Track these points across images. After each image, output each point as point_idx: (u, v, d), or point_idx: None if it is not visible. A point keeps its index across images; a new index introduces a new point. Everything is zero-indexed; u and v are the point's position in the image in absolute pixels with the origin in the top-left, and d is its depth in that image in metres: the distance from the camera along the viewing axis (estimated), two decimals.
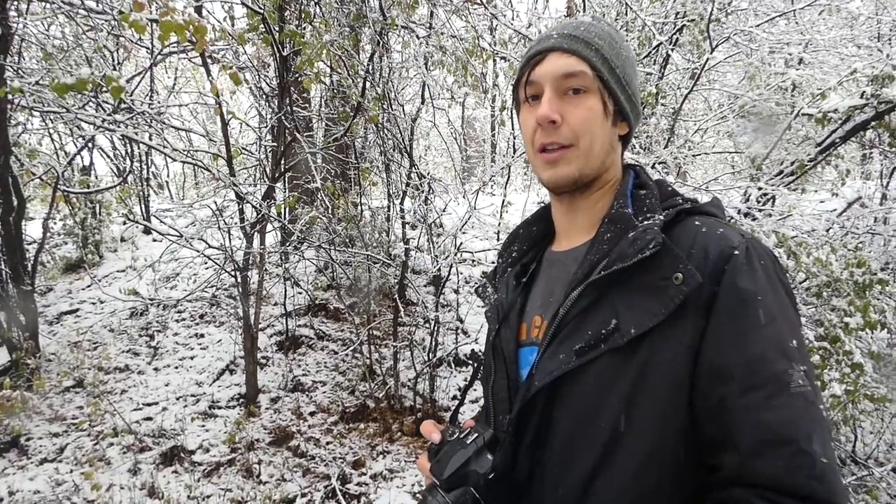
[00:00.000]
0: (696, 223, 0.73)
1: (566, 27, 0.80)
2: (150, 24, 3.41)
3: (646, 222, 0.73)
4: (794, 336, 0.65)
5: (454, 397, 4.48)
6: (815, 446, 0.58)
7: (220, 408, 4.21)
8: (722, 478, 0.63)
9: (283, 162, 4.10)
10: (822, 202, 5.14)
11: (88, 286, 5.59)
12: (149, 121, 4.23)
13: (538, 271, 0.89)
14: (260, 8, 3.30)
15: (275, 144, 4.16)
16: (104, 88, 3.55)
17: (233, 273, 4.04)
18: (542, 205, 0.96)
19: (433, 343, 4.31)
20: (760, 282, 0.66)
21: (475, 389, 4.28)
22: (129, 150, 6.18)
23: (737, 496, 0.60)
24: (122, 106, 3.97)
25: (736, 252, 0.67)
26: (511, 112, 5.17)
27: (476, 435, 0.73)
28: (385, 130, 4.47)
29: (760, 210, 3.31)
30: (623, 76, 0.80)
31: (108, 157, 6.44)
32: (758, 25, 3.74)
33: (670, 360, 0.66)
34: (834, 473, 0.58)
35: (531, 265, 0.91)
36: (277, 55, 3.64)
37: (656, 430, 0.66)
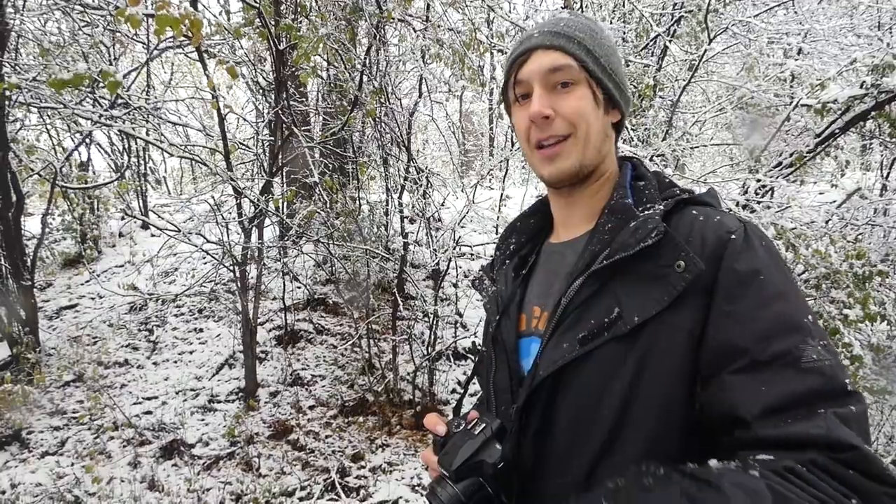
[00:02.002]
0: (694, 212, 0.74)
1: (546, 25, 0.81)
2: (145, 18, 3.39)
3: (646, 212, 0.74)
4: (808, 311, 0.64)
5: (453, 391, 4.49)
6: (826, 409, 0.57)
7: (219, 402, 4.23)
8: (738, 447, 0.62)
9: (280, 156, 4.09)
10: (821, 194, 5.10)
11: (87, 281, 5.61)
12: (146, 116, 4.23)
13: (536, 263, 0.90)
14: (255, 2, 3.29)
15: (272, 139, 4.15)
16: (101, 84, 3.55)
17: (231, 268, 4.05)
18: (540, 197, 0.96)
19: (432, 337, 4.32)
20: (762, 260, 0.66)
21: (475, 382, 4.29)
22: (127, 146, 6.17)
23: (758, 457, 0.59)
24: (119, 101, 3.96)
25: (733, 236, 0.68)
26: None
27: (484, 425, 0.73)
28: (383, 124, 4.46)
29: (759, 202, 3.30)
30: (608, 65, 0.80)
31: (106, 152, 6.45)
32: (756, 15, 3.71)
33: (672, 346, 0.66)
34: (849, 421, 0.57)
35: (529, 257, 0.92)
36: (274, 49, 3.62)
37: (659, 415, 0.67)
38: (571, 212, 0.85)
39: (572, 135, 0.77)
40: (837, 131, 3.30)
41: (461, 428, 0.75)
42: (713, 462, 0.59)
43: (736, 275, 0.65)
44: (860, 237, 3.52)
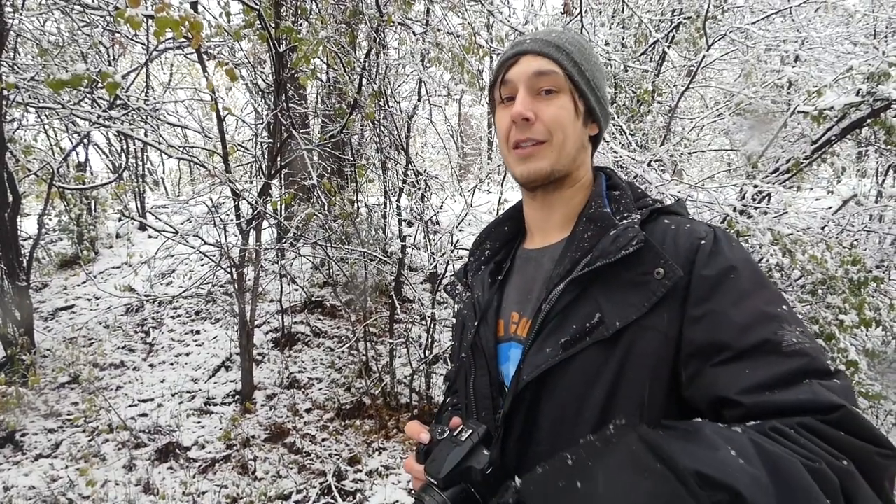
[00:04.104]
0: (666, 221, 0.77)
1: (539, 34, 0.85)
2: (145, 19, 3.39)
3: (624, 221, 0.77)
4: (782, 302, 0.67)
5: None
6: (813, 380, 0.59)
7: (215, 404, 4.21)
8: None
9: (279, 158, 4.08)
10: (817, 200, 5.14)
11: (84, 282, 5.58)
12: (144, 117, 4.22)
13: (512, 269, 0.92)
14: (256, 4, 3.29)
15: (271, 141, 4.15)
16: (99, 84, 3.55)
17: (228, 270, 4.04)
18: (512, 205, 0.99)
19: (429, 340, 4.31)
20: (731, 261, 0.69)
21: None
22: (125, 147, 6.17)
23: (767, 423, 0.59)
24: (118, 102, 3.96)
25: (703, 242, 0.71)
26: None
27: (470, 431, 0.73)
28: (381, 127, 4.46)
29: (756, 208, 3.32)
30: (592, 79, 0.84)
31: (104, 153, 6.44)
32: (754, 23, 3.74)
33: (648, 349, 0.69)
34: (834, 390, 0.58)
35: (504, 263, 0.93)
36: (273, 51, 3.63)
37: (638, 416, 0.69)
38: (547, 217, 0.87)
39: (548, 141, 0.80)
40: (834, 138, 3.32)
41: (446, 435, 0.75)
42: (696, 419, 0.61)
43: (706, 279, 0.68)
44: (856, 243, 3.55)
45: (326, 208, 4.45)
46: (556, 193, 0.85)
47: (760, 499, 0.48)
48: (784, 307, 0.66)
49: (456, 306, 0.99)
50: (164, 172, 9.86)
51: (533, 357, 0.75)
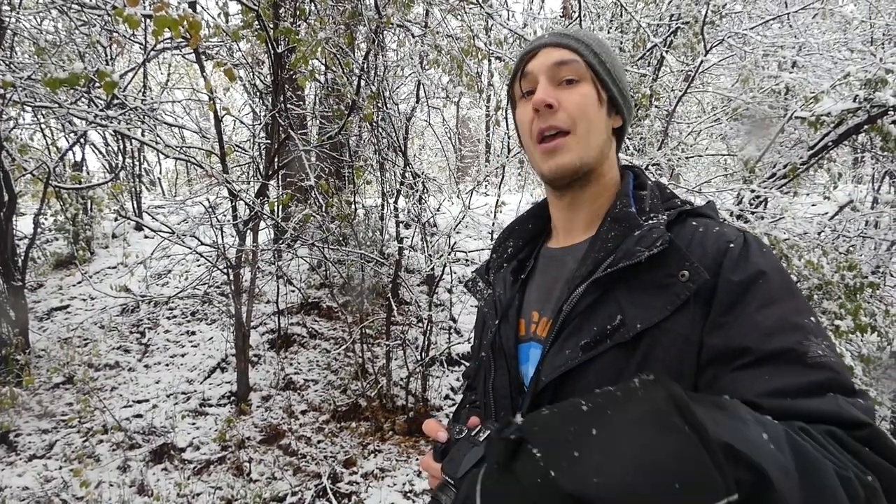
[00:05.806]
0: (694, 223, 0.75)
1: (556, 31, 0.84)
2: (143, 19, 3.38)
3: (650, 222, 0.75)
4: (809, 313, 0.64)
5: (446, 396, 4.48)
6: (838, 395, 0.57)
7: (210, 406, 4.19)
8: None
9: (276, 159, 4.08)
10: (813, 205, 5.16)
11: (79, 282, 5.56)
12: (141, 117, 4.21)
13: (535, 268, 0.90)
14: (254, 4, 3.29)
15: (268, 142, 4.14)
16: (97, 84, 3.54)
17: (225, 270, 4.02)
18: (537, 203, 0.96)
19: (426, 342, 4.31)
20: (760, 266, 0.66)
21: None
22: (122, 147, 6.14)
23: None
24: (115, 102, 3.95)
25: (731, 245, 0.69)
26: (506, 112, 5.17)
27: (488, 432, 0.72)
28: (379, 129, 4.46)
29: (753, 212, 3.33)
30: (613, 70, 0.82)
31: (100, 153, 6.41)
32: (752, 28, 3.76)
33: (668, 351, 0.67)
34: (859, 408, 0.55)
35: (528, 261, 0.92)
36: (272, 52, 3.62)
37: None
38: (573, 216, 0.85)
39: (573, 132, 0.78)
40: (830, 144, 3.33)
41: (464, 434, 0.75)
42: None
43: (733, 284, 0.66)
44: (852, 249, 3.56)
45: (324, 209, 4.44)
46: (584, 192, 0.83)
47: (786, 488, 0.46)
48: (812, 318, 0.63)
49: (478, 303, 0.97)
50: (160, 172, 9.85)
51: (552, 358, 0.74)
